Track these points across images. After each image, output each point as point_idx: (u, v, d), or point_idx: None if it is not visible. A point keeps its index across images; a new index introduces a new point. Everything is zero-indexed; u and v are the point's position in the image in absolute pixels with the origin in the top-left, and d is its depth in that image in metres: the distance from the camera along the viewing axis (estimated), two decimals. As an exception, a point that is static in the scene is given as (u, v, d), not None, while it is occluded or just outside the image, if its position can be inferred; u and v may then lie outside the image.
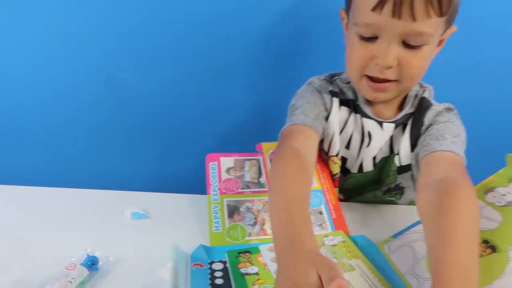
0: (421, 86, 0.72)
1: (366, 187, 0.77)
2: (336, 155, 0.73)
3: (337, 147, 0.72)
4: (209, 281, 0.53)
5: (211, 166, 0.73)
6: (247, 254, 0.59)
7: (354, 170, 0.76)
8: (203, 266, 0.56)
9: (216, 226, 0.64)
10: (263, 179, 0.72)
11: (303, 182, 0.58)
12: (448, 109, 0.69)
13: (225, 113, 1.01)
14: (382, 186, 0.76)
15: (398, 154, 0.71)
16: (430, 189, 0.55)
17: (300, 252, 0.45)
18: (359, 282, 0.53)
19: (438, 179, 0.55)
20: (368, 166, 0.74)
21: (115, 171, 1.08)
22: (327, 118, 0.72)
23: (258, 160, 0.76)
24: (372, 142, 0.71)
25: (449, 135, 0.63)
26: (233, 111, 1.01)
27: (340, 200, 0.82)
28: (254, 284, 0.53)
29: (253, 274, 0.55)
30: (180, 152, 1.06)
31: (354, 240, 0.63)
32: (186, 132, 1.03)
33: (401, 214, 0.72)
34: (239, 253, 0.59)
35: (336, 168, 0.74)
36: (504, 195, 0.47)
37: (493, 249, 0.43)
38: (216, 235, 0.62)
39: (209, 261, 0.58)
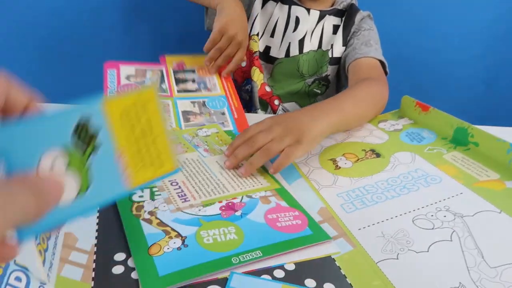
0: None
1: (295, 77, 0.83)
2: (257, 34, 0.81)
3: (257, 27, 0.81)
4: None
5: (110, 72, 0.70)
6: None
7: (281, 55, 0.81)
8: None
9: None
10: (165, 85, 0.70)
11: None
12: (369, 16, 0.81)
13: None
14: (312, 76, 0.82)
15: (329, 50, 0.79)
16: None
17: None
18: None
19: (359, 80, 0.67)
20: (295, 51, 0.80)
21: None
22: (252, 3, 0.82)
23: (161, 71, 0.74)
24: (299, 26, 0.79)
25: (373, 42, 0.75)
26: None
27: (266, 92, 0.83)
28: None
29: None
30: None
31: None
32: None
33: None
34: None
35: (255, 46, 0.82)
36: (393, 125, 0.63)
37: (378, 155, 0.55)
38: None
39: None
